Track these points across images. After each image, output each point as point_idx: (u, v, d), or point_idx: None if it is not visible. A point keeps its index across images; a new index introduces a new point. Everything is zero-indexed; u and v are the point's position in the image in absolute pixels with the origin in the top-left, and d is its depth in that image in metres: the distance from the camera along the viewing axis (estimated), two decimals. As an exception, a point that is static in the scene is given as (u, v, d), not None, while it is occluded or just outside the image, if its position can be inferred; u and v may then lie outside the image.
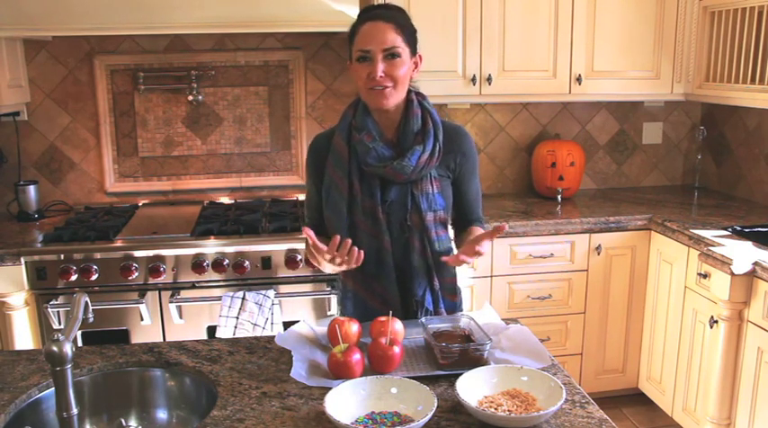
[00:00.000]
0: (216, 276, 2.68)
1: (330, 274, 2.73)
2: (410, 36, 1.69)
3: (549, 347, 2.09)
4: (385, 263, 1.75)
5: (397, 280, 1.78)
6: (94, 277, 2.61)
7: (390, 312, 1.59)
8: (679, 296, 2.86)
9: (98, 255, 2.62)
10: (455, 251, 1.81)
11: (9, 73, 2.89)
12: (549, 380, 1.37)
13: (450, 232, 1.89)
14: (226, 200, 3.35)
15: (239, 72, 3.28)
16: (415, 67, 1.72)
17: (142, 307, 2.63)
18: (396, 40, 1.64)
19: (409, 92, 1.74)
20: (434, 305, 1.79)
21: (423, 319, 1.63)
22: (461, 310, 1.89)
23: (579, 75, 3.16)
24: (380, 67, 1.64)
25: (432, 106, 1.78)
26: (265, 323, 2.62)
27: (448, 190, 1.79)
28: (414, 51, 1.70)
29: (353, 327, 1.58)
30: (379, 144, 1.71)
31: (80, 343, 2.64)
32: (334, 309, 2.76)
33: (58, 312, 2.59)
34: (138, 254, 2.64)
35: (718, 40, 3.09)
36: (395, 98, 1.69)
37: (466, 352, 1.49)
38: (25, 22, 2.61)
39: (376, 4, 1.74)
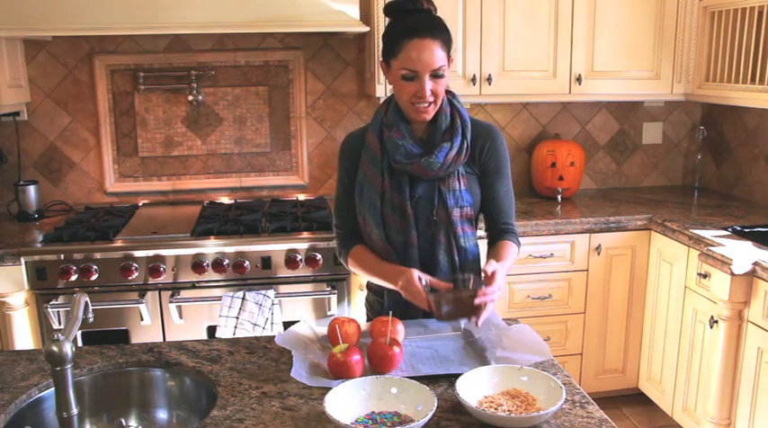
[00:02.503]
0: (216, 276, 2.68)
1: (330, 274, 2.75)
2: (450, 46, 1.69)
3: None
4: (410, 257, 1.76)
5: None
6: (94, 277, 2.61)
7: (390, 312, 1.60)
8: (679, 296, 2.86)
9: (98, 255, 2.62)
10: (481, 250, 1.83)
11: (9, 73, 2.89)
12: (549, 380, 1.37)
13: (480, 231, 1.87)
14: (226, 200, 3.35)
15: (239, 72, 3.28)
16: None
17: (142, 307, 2.63)
18: (443, 58, 1.65)
19: None
20: None
21: (422, 281, 1.61)
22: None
23: (579, 75, 3.16)
24: (428, 86, 1.65)
25: (462, 105, 1.79)
26: (265, 323, 2.63)
27: (475, 187, 1.80)
28: (449, 56, 1.70)
29: (353, 327, 1.59)
30: (408, 141, 1.73)
31: (80, 343, 2.64)
32: (334, 309, 2.76)
33: (58, 312, 2.59)
34: (138, 254, 2.64)
35: (718, 40, 3.09)
36: (435, 110, 1.72)
37: (460, 300, 1.48)
38: (25, 22, 2.61)
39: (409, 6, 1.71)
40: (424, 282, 1.59)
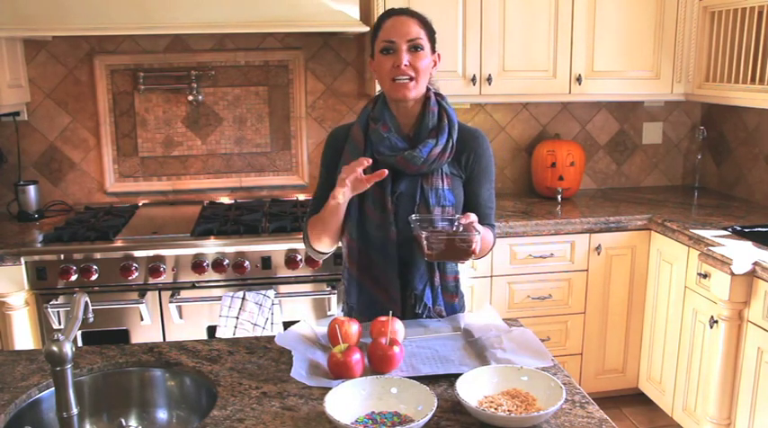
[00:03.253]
0: (216, 276, 2.68)
1: (330, 274, 2.75)
2: (431, 33, 1.76)
3: (549, 347, 2.09)
4: (389, 254, 1.76)
5: (399, 272, 1.79)
6: (94, 277, 2.61)
7: (390, 312, 1.60)
8: (679, 296, 2.86)
9: (98, 255, 2.62)
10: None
11: (9, 73, 2.89)
12: (549, 380, 1.37)
13: None
14: (226, 200, 3.35)
15: (239, 72, 3.28)
16: (434, 65, 1.78)
17: (142, 307, 2.63)
18: (419, 32, 1.71)
19: (428, 90, 1.79)
20: (433, 301, 1.80)
21: (412, 216, 1.67)
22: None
23: (579, 75, 3.16)
24: (405, 58, 1.70)
25: (450, 106, 1.81)
26: (265, 323, 2.63)
27: (459, 189, 1.80)
28: (433, 49, 1.77)
29: (353, 327, 1.58)
30: (393, 135, 1.75)
31: (80, 343, 2.64)
32: (334, 309, 2.76)
33: (58, 312, 2.59)
34: (138, 254, 2.64)
35: (718, 40, 3.09)
36: (416, 91, 1.73)
37: (452, 242, 1.52)
38: (25, 22, 2.61)
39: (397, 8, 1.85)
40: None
